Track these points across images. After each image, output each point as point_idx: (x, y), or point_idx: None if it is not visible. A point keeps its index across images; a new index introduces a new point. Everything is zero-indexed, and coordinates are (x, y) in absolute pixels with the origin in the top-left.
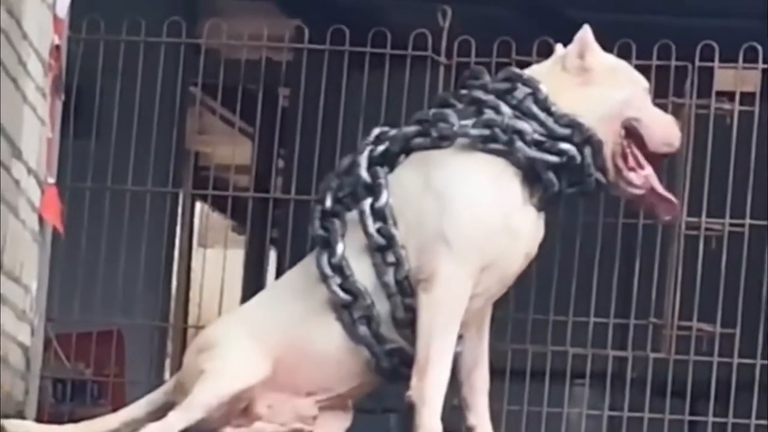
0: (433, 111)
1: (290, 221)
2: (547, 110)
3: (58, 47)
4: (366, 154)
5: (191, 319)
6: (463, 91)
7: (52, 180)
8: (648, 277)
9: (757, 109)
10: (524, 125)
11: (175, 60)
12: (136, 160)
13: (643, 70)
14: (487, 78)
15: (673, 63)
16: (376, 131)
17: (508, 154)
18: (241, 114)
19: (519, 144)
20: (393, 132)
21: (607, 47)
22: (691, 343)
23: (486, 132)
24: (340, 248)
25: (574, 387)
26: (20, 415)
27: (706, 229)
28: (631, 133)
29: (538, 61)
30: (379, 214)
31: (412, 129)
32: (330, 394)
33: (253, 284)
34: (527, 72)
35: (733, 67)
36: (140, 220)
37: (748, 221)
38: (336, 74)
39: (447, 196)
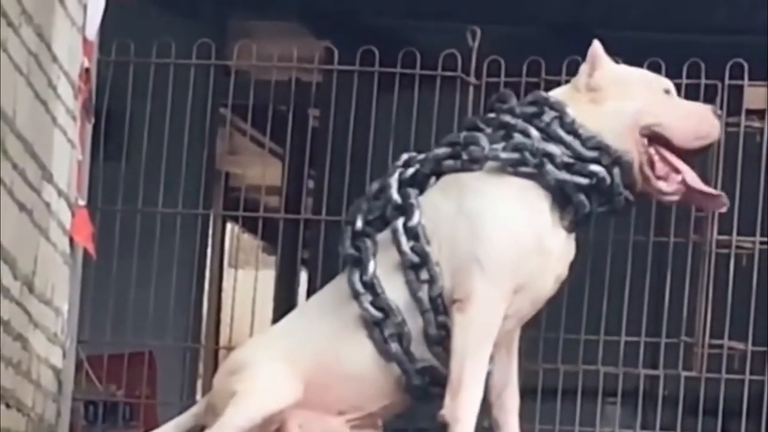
0: (464, 134)
1: (321, 242)
2: (574, 133)
3: (87, 70)
4: (396, 176)
5: (222, 340)
6: (491, 115)
7: (82, 202)
8: (679, 296)
9: None
10: (554, 148)
11: (205, 81)
12: (167, 181)
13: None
14: (514, 101)
15: (703, 81)
16: (405, 156)
17: (538, 177)
18: (272, 135)
19: (549, 167)
20: (423, 155)
21: (636, 66)
22: (723, 361)
23: (516, 156)
24: (371, 266)
25: (606, 406)
26: None
27: (737, 247)
28: (656, 139)
29: (567, 81)
30: (411, 233)
31: (443, 151)
32: (361, 413)
33: (284, 305)
34: (552, 95)
35: (762, 85)
36: (171, 241)
37: None
38: (366, 95)
39: (480, 219)
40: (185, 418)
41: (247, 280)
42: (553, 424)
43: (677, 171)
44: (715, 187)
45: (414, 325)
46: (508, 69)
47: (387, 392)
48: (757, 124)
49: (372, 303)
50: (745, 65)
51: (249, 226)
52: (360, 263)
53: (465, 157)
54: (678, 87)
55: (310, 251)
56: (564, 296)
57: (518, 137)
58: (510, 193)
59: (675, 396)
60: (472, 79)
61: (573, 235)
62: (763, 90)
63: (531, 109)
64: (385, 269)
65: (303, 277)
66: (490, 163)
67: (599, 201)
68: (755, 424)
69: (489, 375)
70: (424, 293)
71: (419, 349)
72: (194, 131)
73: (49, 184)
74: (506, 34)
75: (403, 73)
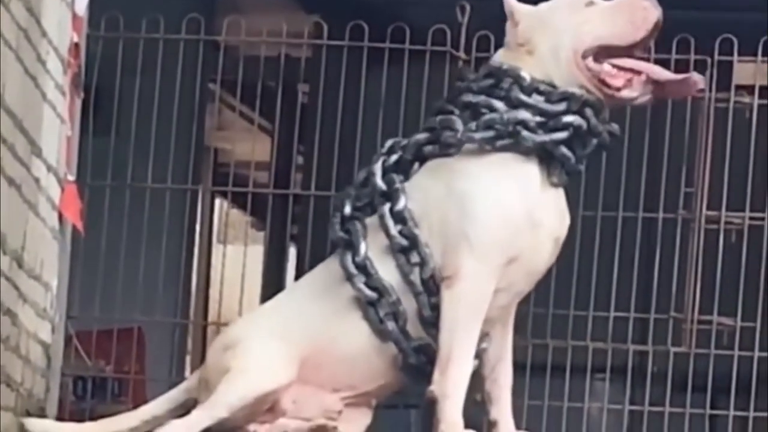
0: (439, 118)
1: (310, 217)
2: (536, 91)
3: (77, 45)
4: (380, 164)
5: (211, 316)
6: (457, 94)
7: (71, 177)
8: (668, 272)
9: None
10: (523, 114)
11: (194, 57)
12: (156, 157)
13: (663, 64)
14: (471, 76)
15: (693, 57)
16: (389, 142)
17: (516, 146)
18: (261, 110)
19: (525, 133)
20: (405, 141)
21: None
22: (712, 337)
23: (490, 133)
24: (363, 248)
25: (594, 381)
26: (41, 413)
27: (726, 222)
28: (601, 54)
29: None
30: (398, 217)
31: (423, 137)
32: (356, 391)
33: (272, 280)
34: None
35: (752, 60)
36: (160, 217)
37: None
38: (355, 70)
39: (469, 198)
40: (177, 393)
41: (236, 256)
42: (542, 400)
43: (638, 72)
44: (704, 164)
45: (409, 304)
46: (497, 44)
47: (382, 372)
48: (746, 99)
49: (365, 283)
50: (735, 41)
51: (238, 201)
52: (351, 245)
53: (442, 141)
54: (667, 62)
55: (299, 227)
56: (553, 272)
57: (486, 113)
58: (496, 169)
59: (664, 372)
60: (461, 54)
61: (562, 194)
62: (753, 66)
63: (488, 82)
64: (375, 252)
65: (292, 252)
66: (467, 146)
67: (583, 146)
68: (744, 400)
69: (484, 351)
70: (416, 276)
71: (415, 328)
72: (183, 106)
73: (38, 159)
74: (496, 9)
75: (392, 48)
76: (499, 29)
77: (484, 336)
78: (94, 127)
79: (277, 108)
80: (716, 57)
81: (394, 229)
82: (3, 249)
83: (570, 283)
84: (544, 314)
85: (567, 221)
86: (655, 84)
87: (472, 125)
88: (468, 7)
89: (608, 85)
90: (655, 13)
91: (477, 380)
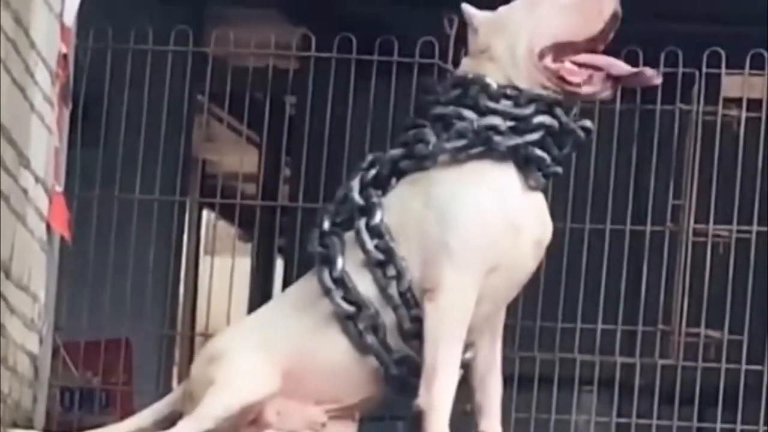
0: (412, 132)
1: (297, 229)
2: (504, 96)
3: (65, 56)
4: (358, 179)
5: (198, 327)
6: (427, 108)
7: (59, 189)
8: (656, 284)
9: (764, 116)
10: (494, 120)
11: (183, 68)
12: (144, 168)
13: None
14: (438, 88)
15: (681, 70)
16: (370, 157)
17: (489, 152)
18: (249, 122)
19: (497, 138)
20: (383, 156)
21: (614, 54)
22: (699, 350)
23: (462, 142)
24: (340, 262)
25: (582, 394)
26: (28, 424)
27: (714, 235)
28: (561, 51)
29: None
30: (374, 231)
31: (397, 152)
32: (339, 404)
33: (260, 292)
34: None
35: (740, 73)
36: (148, 228)
37: (755, 228)
38: (343, 82)
39: (447, 208)
40: (162, 405)
41: (224, 268)
42: (530, 412)
43: (598, 68)
44: (692, 177)
45: (388, 317)
46: None
47: (365, 385)
48: (734, 112)
49: (343, 297)
50: (723, 54)
51: (225, 213)
52: (328, 260)
53: (416, 155)
54: None
55: (287, 238)
56: (540, 284)
57: (456, 123)
58: (472, 178)
59: (651, 384)
60: (449, 66)
61: (541, 199)
62: (740, 79)
63: (455, 92)
64: (353, 266)
65: (279, 264)
66: (441, 157)
67: (558, 146)
68: (731, 413)
69: (472, 361)
70: (393, 289)
71: (396, 341)
72: (171, 118)
73: (26, 170)
74: None
75: (380, 61)
76: None
77: (469, 346)
78: (82, 138)
79: (264, 120)
80: (704, 70)
81: (370, 244)
82: None
83: (557, 296)
84: (531, 327)
85: (549, 225)
86: (615, 79)
87: (444, 136)
88: (456, 19)
89: (568, 82)
90: (611, 4)
91: (466, 391)
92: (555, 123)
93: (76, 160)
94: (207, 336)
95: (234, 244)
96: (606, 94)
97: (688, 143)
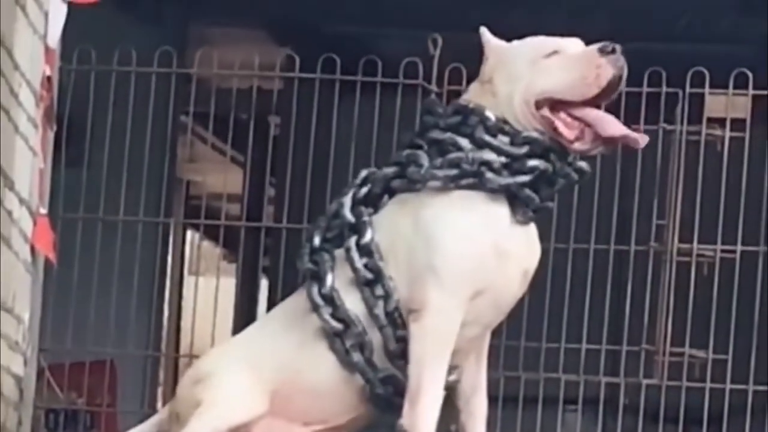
0: (406, 152)
1: (282, 249)
2: (501, 132)
3: (49, 78)
4: (350, 195)
5: (183, 348)
6: (425, 128)
7: (44, 210)
8: (640, 304)
9: (747, 135)
10: (488, 155)
11: (166, 89)
12: (128, 189)
13: (634, 96)
14: (440, 111)
15: (664, 90)
16: (363, 173)
17: (481, 185)
18: (233, 142)
19: (489, 175)
20: (377, 173)
21: None
22: (684, 370)
23: (454, 171)
24: (329, 279)
25: (566, 413)
26: None
27: (698, 255)
28: (557, 104)
29: None
30: (364, 250)
31: (390, 170)
32: (326, 425)
33: (244, 312)
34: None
35: (723, 93)
36: (132, 249)
37: (739, 247)
38: (327, 102)
39: (435, 231)
40: (147, 427)
41: (208, 288)
42: None
43: (589, 125)
44: (676, 196)
45: (375, 337)
46: (469, 76)
47: (351, 405)
48: (717, 132)
49: (332, 315)
50: (706, 73)
51: (210, 234)
52: (318, 277)
53: (408, 176)
54: (639, 95)
55: (271, 259)
56: (525, 304)
57: (452, 151)
58: (461, 202)
59: (636, 404)
60: (433, 86)
61: (532, 227)
62: (724, 98)
63: (455, 119)
64: (342, 284)
65: (264, 284)
66: (431, 183)
67: (550, 186)
68: None
69: (457, 383)
70: (380, 309)
71: (381, 359)
72: (155, 139)
73: (10, 192)
74: (467, 42)
75: (364, 81)
76: (471, 62)
77: (453, 368)
78: (67, 159)
79: (249, 140)
80: (688, 89)
81: (359, 262)
82: None
83: (542, 316)
84: (516, 346)
85: (537, 253)
86: (602, 139)
87: (437, 162)
88: (440, 40)
89: (561, 135)
90: (610, 72)
91: (452, 412)
92: (549, 167)
93: (60, 181)
94: (192, 357)
95: (218, 265)
96: (596, 151)
97: (672, 163)
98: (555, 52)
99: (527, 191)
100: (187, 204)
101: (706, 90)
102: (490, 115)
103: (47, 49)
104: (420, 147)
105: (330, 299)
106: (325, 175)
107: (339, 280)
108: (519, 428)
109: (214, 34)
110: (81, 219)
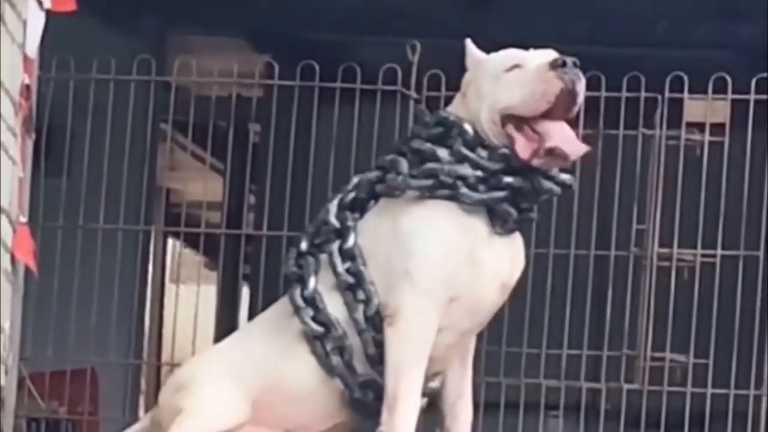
0: (389, 158)
1: (262, 257)
2: (480, 146)
3: (28, 87)
4: (336, 201)
5: (164, 356)
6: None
7: (23, 219)
8: (620, 309)
9: (727, 140)
10: (465, 170)
11: (146, 97)
12: (108, 198)
13: (613, 101)
14: (426, 120)
15: (643, 94)
16: (355, 179)
17: (456, 198)
18: (212, 150)
19: (464, 190)
20: (363, 178)
21: None
22: (665, 374)
23: (429, 182)
24: (312, 282)
25: (548, 419)
26: None
27: (678, 259)
28: (518, 120)
29: None
30: (347, 255)
31: (373, 175)
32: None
33: (226, 320)
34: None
35: (702, 98)
36: (112, 258)
37: (719, 252)
38: (306, 110)
39: (412, 237)
40: None
41: (189, 296)
42: None
43: (545, 140)
44: (656, 201)
45: (355, 342)
46: (448, 83)
47: (332, 411)
48: (696, 137)
49: (313, 318)
50: (685, 78)
51: (190, 241)
52: (301, 280)
53: (388, 182)
54: (618, 100)
55: (252, 266)
56: (506, 310)
57: (430, 162)
58: (439, 209)
59: (617, 409)
60: (412, 93)
61: (516, 239)
62: (703, 103)
63: (437, 130)
64: (325, 288)
65: (245, 292)
66: (408, 192)
67: (529, 201)
68: None
69: (437, 389)
70: (360, 313)
71: (361, 364)
72: (135, 147)
73: None
74: (446, 48)
75: (343, 88)
76: (449, 68)
77: (435, 375)
78: (46, 168)
79: (228, 148)
80: (667, 94)
81: (341, 267)
82: None
83: (523, 321)
84: (497, 352)
85: (520, 264)
86: (552, 153)
87: (414, 171)
88: (418, 46)
89: (516, 154)
90: (557, 86)
91: (437, 416)
92: (525, 185)
93: (39, 190)
94: (173, 365)
95: (199, 272)
96: (555, 164)
97: (651, 168)
98: (516, 66)
99: (504, 206)
100: (167, 212)
101: (685, 95)
102: (468, 128)
103: (26, 58)
104: (404, 154)
105: (312, 302)
106: (305, 183)
107: (322, 284)
108: None
109: (193, 42)
110: (61, 227)
